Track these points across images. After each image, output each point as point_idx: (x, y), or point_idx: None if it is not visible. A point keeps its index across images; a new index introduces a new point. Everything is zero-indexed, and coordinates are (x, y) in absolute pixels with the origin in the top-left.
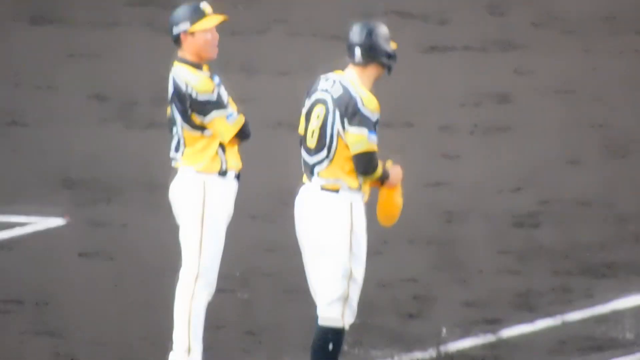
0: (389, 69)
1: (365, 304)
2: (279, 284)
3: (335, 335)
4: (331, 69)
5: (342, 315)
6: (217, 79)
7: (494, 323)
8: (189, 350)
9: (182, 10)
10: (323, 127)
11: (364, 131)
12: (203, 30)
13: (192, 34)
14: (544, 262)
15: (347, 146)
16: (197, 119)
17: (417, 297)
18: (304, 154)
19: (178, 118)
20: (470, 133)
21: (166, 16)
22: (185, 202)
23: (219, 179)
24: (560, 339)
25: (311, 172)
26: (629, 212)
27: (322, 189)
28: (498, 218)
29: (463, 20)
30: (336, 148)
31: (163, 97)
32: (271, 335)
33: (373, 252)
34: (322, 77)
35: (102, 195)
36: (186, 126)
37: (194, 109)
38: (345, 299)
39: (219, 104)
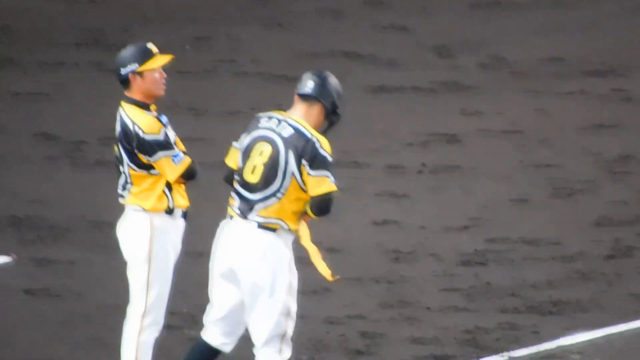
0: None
1: (314, 341)
2: None
3: None
4: (279, 109)
5: (280, 352)
6: (164, 118)
7: None
8: None
9: (129, 51)
10: (271, 165)
11: (326, 173)
12: (151, 70)
13: (141, 73)
14: (491, 299)
15: (299, 188)
16: (143, 158)
17: (365, 334)
18: (239, 189)
19: (125, 157)
20: (418, 172)
21: (113, 57)
22: (133, 240)
23: (166, 217)
24: None
25: (249, 209)
26: (575, 251)
27: (260, 226)
28: (445, 256)
29: (411, 61)
30: (287, 188)
31: (110, 137)
32: None
33: (321, 290)
34: (263, 115)
35: (48, 233)
36: (133, 165)
37: (140, 149)
38: (283, 335)
39: (165, 145)
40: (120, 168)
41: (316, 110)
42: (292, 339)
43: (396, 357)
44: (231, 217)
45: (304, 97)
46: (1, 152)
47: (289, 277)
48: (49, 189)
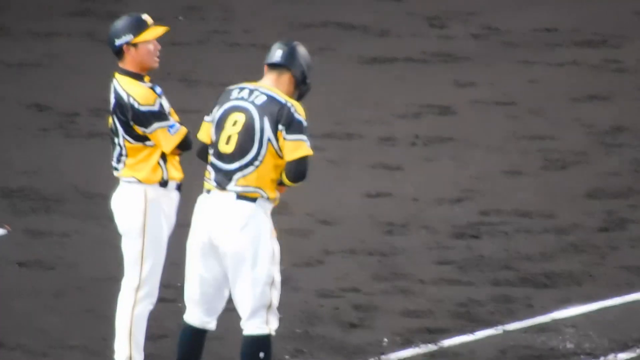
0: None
1: (307, 314)
2: None
3: (263, 342)
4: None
5: (267, 322)
6: (158, 89)
7: (435, 333)
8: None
9: (123, 22)
10: (246, 134)
11: (302, 137)
12: (146, 42)
13: (135, 45)
14: (484, 272)
15: (275, 154)
16: (138, 130)
17: (358, 307)
18: (215, 161)
19: (120, 129)
20: (411, 144)
21: (106, 27)
22: (127, 212)
23: (161, 189)
24: (501, 348)
25: (228, 179)
26: (568, 223)
27: (239, 197)
28: (439, 228)
29: (404, 32)
30: (264, 155)
31: (103, 108)
32: (212, 345)
33: (315, 262)
34: (233, 87)
35: (41, 204)
36: (128, 137)
37: (136, 120)
38: (269, 306)
39: (160, 115)
40: (115, 140)
41: (286, 79)
42: (286, 312)
43: (390, 330)
44: (208, 190)
45: (273, 67)
46: None
47: (271, 245)
48: (41, 160)
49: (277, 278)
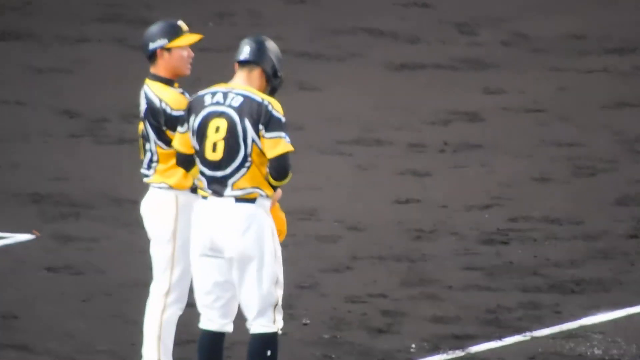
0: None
1: (335, 319)
2: None
3: (270, 340)
4: (297, 85)
5: (274, 321)
6: (187, 95)
7: (463, 339)
8: None
9: (159, 27)
10: (231, 138)
11: (281, 133)
12: (180, 47)
13: (169, 50)
14: (512, 278)
15: (260, 153)
16: (171, 135)
17: (386, 312)
18: (204, 169)
19: (152, 134)
20: (440, 151)
21: (136, 33)
22: (158, 218)
23: (192, 195)
24: (529, 355)
25: (223, 185)
26: (596, 230)
27: (238, 200)
28: (467, 235)
29: (433, 38)
30: (251, 154)
31: (132, 113)
32: (242, 349)
33: (343, 268)
34: (204, 93)
35: (70, 210)
36: (160, 142)
37: (168, 125)
38: (275, 305)
39: None
40: (147, 146)
41: (257, 75)
42: (314, 318)
43: (417, 336)
44: (204, 197)
45: (243, 64)
46: (23, 128)
47: (273, 244)
48: (70, 166)
49: (281, 276)
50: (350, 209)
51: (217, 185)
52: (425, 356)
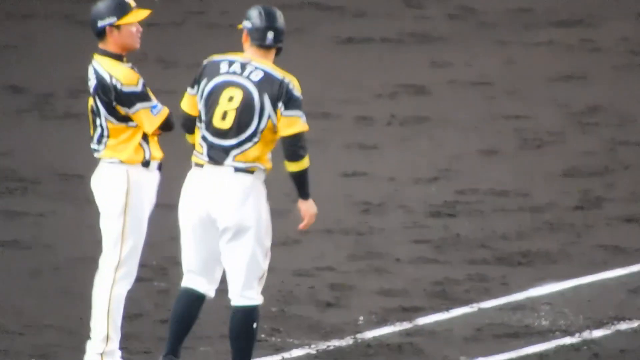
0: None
1: (283, 293)
2: None
3: (256, 312)
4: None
5: (258, 293)
6: (136, 70)
7: (411, 311)
8: (107, 339)
9: (107, 4)
10: (245, 110)
11: (298, 113)
12: (129, 24)
13: (118, 27)
14: (460, 251)
15: (272, 129)
16: (121, 110)
17: (334, 286)
18: (208, 136)
19: (102, 110)
20: (387, 124)
21: (82, 9)
22: (109, 192)
23: (142, 170)
24: (476, 326)
25: (224, 155)
26: (543, 202)
27: (237, 170)
28: (415, 208)
29: (380, 12)
30: (263, 131)
31: (79, 89)
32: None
33: (291, 242)
34: (220, 60)
35: (17, 185)
36: (110, 118)
37: (119, 101)
38: (261, 277)
39: (143, 96)
40: (97, 121)
41: (273, 53)
42: (262, 292)
43: (365, 309)
44: (200, 165)
45: (266, 47)
46: None
47: (266, 215)
48: (17, 142)
49: (269, 249)
50: None
51: (218, 153)
52: (373, 329)
